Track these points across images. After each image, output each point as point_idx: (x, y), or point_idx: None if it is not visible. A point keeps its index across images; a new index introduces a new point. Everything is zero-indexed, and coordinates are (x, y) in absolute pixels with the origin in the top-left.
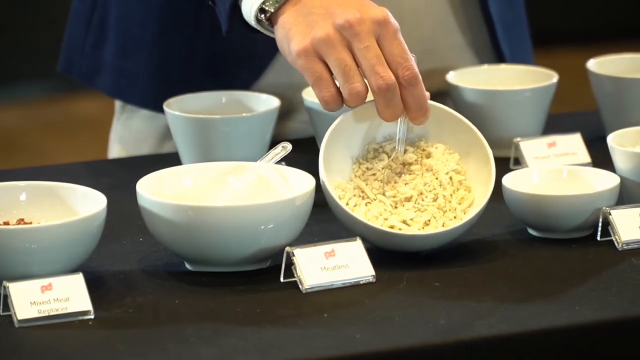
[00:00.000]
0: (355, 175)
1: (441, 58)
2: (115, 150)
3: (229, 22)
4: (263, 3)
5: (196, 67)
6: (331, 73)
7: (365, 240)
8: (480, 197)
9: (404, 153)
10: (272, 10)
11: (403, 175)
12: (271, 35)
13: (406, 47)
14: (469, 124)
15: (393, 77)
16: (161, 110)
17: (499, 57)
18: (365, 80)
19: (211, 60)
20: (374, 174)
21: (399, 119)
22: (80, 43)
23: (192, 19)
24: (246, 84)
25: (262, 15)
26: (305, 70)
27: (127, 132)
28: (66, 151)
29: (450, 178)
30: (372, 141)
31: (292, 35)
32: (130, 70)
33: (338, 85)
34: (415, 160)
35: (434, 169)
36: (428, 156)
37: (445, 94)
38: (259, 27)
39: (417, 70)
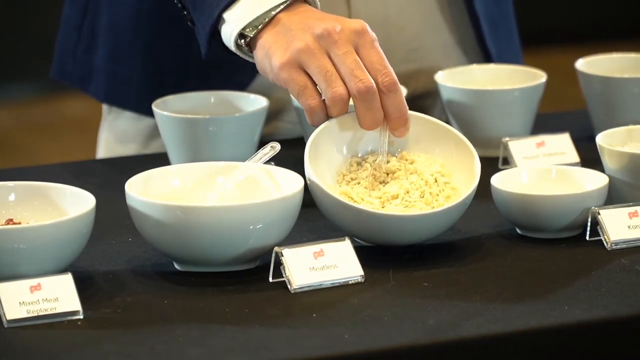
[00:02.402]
0: (340, 186)
1: (428, 58)
2: (103, 150)
3: (208, 45)
4: (243, 29)
5: (190, 70)
6: (315, 83)
7: (353, 236)
8: (466, 194)
9: (387, 163)
10: (252, 36)
11: (388, 182)
12: (250, 60)
13: (384, 55)
14: (448, 128)
15: (372, 81)
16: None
17: (486, 55)
18: None
19: (205, 63)
20: (358, 183)
21: (380, 129)
22: (72, 49)
23: (184, 22)
24: (240, 86)
25: (242, 41)
26: (288, 82)
27: (114, 132)
28: (55, 151)
29: (435, 180)
30: (354, 155)
31: (273, 52)
32: (124, 75)
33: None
34: (399, 168)
35: (418, 171)
36: (411, 163)
37: (432, 93)
38: (238, 52)
39: (395, 77)
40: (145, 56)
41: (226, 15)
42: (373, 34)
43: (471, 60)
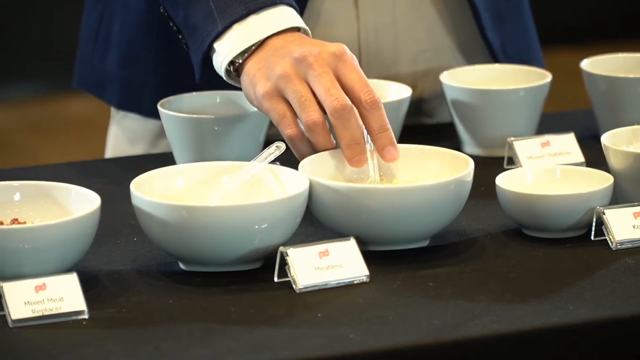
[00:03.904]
0: None
1: (436, 59)
2: (111, 150)
3: (201, 71)
4: (234, 57)
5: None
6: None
7: (345, 232)
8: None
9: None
10: (240, 61)
11: None
12: (239, 86)
13: (364, 75)
14: (435, 148)
15: (348, 100)
16: None
17: (489, 48)
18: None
19: None
20: None
21: (368, 156)
22: (89, 57)
23: None
24: None
25: (231, 67)
26: (269, 112)
27: (122, 131)
28: (55, 151)
29: None
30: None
31: (257, 80)
32: (137, 80)
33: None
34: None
35: (412, 180)
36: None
37: (439, 94)
38: (229, 81)
39: (377, 96)
40: (158, 61)
41: (216, 45)
42: (352, 56)
43: (479, 62)
